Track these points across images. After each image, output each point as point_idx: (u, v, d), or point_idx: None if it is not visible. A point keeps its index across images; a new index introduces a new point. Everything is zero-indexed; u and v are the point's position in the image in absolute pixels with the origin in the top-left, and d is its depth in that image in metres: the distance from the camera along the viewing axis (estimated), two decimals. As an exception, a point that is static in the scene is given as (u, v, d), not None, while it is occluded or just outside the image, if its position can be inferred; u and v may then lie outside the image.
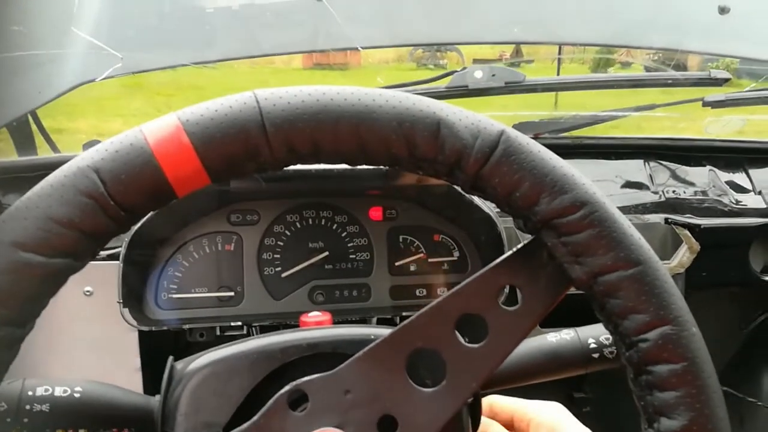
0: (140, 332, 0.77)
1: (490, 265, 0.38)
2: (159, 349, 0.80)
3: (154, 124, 0.33)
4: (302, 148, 0.34)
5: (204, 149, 0.32)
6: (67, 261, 0.32)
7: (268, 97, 0.33)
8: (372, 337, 0.42)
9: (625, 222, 0.35)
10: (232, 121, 0.33)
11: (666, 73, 1.13)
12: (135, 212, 0.33)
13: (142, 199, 0.32)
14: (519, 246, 0.38)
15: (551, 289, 0.37)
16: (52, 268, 0.31)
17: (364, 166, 0.72)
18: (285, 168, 0.35)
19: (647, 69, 1.30)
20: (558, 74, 1.41)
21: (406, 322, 0.37)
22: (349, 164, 0.36)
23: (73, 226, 0.31)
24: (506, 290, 0.39)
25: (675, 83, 1.02)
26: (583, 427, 0.51)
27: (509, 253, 0.38)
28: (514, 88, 0.98)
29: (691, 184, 1.04)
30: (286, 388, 0.37)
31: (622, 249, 0.34)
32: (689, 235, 0.91)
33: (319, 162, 0.35)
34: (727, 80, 1.00)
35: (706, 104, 1.05)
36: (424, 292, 0.82)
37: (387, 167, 0.70)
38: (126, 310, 0.71)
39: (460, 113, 0.35)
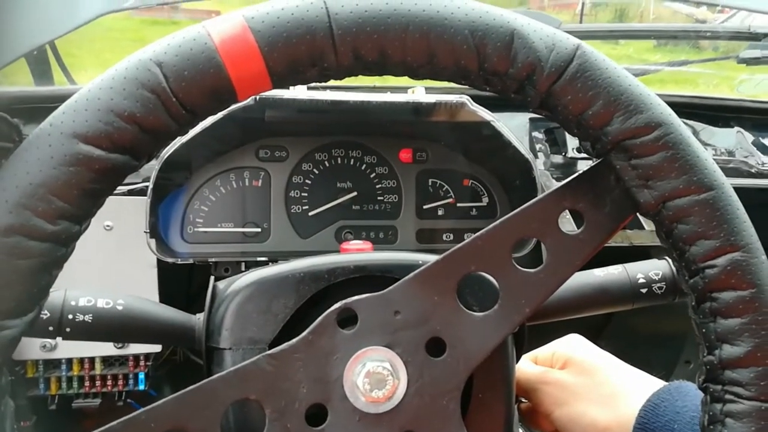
0: (159, 269, 0.77)
1: (551, 188, 0.37)
2: (177, 287, 0.80)
3: (218, 21, 0.31)
4: (369, 55, 0.32)
5: (269, 50, 0.31)
6: (125, 158, 0.30)
7: None
8: (420, 262, 0.41)
9: (699, 146, 0.33)
10: (298, 21, 0.31)
11: (703, 24, 1.10)
12: (196, 113, 0.32)
13: (204, 98, 0.31)
14: (584, 169, 0.36)
15: (615, 215, 0.36)
16: (111, 164, 0.30)
17: (398, 99, 0.70)
18: (337, 81, 0.34)
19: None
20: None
21: (460, 245, 0.37)
22: (413, 77, 0.35)
23: (134, 121, 0.30)
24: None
25: (713, 35, 1.00)
26: (600, 350, 0.54)
27: (573, 176, 0.36)
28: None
29: (717, 144, 1.01)
30: (336, 306, 0.37)
31: (695, 173, 0.32)
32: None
33: (382, 74, 0.34)
34: (766, 35, 0.98)
35: (741, 61, 1.03)
36: (451, 237, 0.82)
37: (421, 102, 0.69)
38: (153, 241, 0.70)
39: (535, 24, 0.33)
